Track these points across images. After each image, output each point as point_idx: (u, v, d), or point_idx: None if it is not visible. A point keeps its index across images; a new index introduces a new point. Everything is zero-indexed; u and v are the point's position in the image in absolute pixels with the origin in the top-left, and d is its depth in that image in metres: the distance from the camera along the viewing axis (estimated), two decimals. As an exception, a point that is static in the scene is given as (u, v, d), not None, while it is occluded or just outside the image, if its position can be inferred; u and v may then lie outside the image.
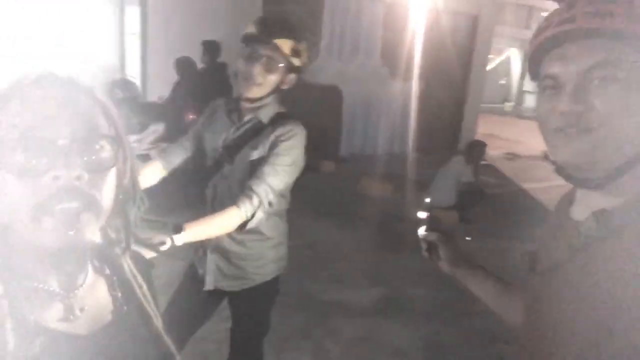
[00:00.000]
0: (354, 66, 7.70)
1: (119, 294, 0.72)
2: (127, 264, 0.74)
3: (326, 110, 6.82)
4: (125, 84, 4.70)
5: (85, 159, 0.59)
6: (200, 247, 1.73)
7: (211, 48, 5.21)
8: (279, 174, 1.55)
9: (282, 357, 2.66)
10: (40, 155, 0.56)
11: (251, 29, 1.57)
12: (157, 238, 1.39)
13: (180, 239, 1.41)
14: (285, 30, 1.57)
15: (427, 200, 1.19)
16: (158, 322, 0.76)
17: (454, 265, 1.11)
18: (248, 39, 1.57)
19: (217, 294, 1.74)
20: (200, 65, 5.18)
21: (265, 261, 1.70)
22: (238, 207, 1.50)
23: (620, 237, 0.66)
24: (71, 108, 0.60)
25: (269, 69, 1.55)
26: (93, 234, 0.61)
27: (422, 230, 1.15)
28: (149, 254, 1.38)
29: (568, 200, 0.81)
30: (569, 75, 0.68)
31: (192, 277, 1.77)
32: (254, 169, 1.56)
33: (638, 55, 0.65)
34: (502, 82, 18.41)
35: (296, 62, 1.59)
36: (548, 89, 0.72)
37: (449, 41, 8.46)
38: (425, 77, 8.36)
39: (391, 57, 7.98)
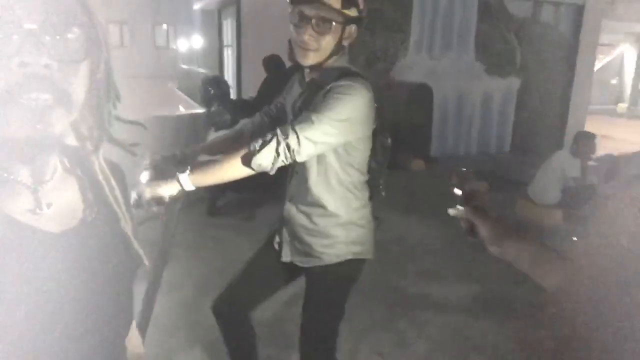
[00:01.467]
0: (446, 62, 7.39)
1: (90, 195, 0.68)
2: (99, 164, 0.70)
3: (416, 109, 6.59)
4: (216, 81, 4.87)
5: (55, 46, 0.54)
6: (280, 216, 1.67)
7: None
8: (315, 122, 1.32)
9: (361, 346, 2.52)
10: (7, 40, 0.52)
11: None
12: (165, 179, 1.31)
13: (188, 182, 1.29)
14: None
15: (463, 169, 1.01)
16: (128, 226, 0.73)
17: (497, 244, 0.94)
18: (293, 2, 1.42)
19: (295, 268, 1.64)
20: (288, 63, 5.25)
21: (333, 240, 1.55)
22: (255, 146, 1.31)
23: None
24: None
25: (321, 31, 1.39)
26: (63, 129, 0.58)
27: (452, 209, 0.99)
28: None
29: None
30: None
31: (271, 244, 1.70)
32: None
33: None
34: (614, 81, 16.73)
35: (352, 12, 1.40)
36: None
37: (552, 34, 7.83)
38: (525, 73, 7.81)
39: (487, 51, 7.55)
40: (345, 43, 1.46)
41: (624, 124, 12.61)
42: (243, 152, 1.33)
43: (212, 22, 14.25)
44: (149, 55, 21.62)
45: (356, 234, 1.59)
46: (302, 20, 1.40)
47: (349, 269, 1.61)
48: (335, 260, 1.57)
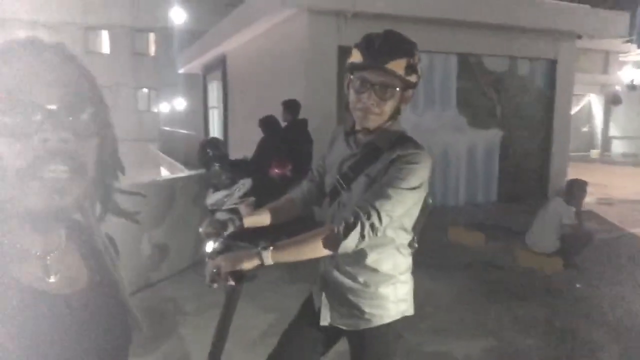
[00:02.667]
0: (429, 117, 7.64)
1: (91, 262, 0.73)
2: (100, 234, 0.74)
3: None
4: (214, 143, 4.93)
5: (72, 123, 0.60)
6: (317, 278, 1.65)
7: (292, 106, 5.41)
8: (392, 196, 1.35)
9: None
10: (29, 118, 0.58)
11: (356, 56, 1.42)
12: (247, 254, 1.32)
13: (269, 258, 1.31)
14: (397, 50, 1.39)
15: None
16: (126, 293, 0.76)
17: None
18: (354, 67, 1.43)
19: (335, 331, 1.60)
20: (283, 123, 5.36)
21: (383, 301, 1.51)
22: (333, 224, 1.35)
23: None
24: (59, 73, 0.61)
25: (384, 97, 1.40)
26: (75, 199, 0.62)
27: None
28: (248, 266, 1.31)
29: None
30: None
31: (310, 308, 1.66)
32: None
33: None
34: (585, 129, 17.48)
35: (413, 78, 1.42)
36: None
37: (528, 86, 8.22)
38: (505, 124, 8.11)
39: (468, 105, 7.86)
40: (403, 107, 1.47)
41: (599, 169, 13.05)
42: (324, 234, 1.35)
43: (197, 85, 14.61)
44: (131, 119, 21.82)
45: (403, 292, 1.57)
46: (364, 86, 1.41)
47: (396, 328, 1.57)
48: (386, 320, 1.53)
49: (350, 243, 1.33)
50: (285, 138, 5.15)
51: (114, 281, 0.74)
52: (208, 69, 12.65)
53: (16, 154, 0.57)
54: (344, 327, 1.57)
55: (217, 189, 4.62)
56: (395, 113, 1.46)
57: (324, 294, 1.59)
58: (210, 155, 4.64)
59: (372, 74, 1.39)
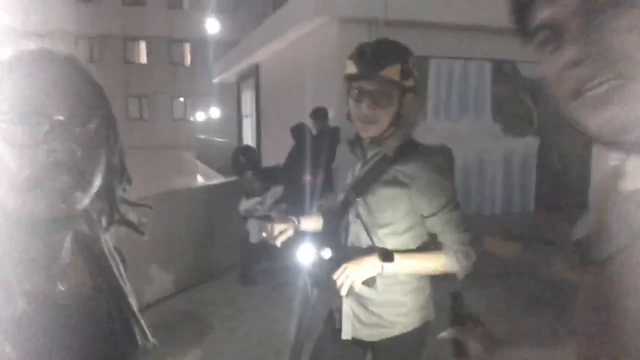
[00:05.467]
0: (464, 125, 7.53)
1: (97, 271, 0.73)
2: (106, 243, 0.75)
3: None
4: (247, 150, 5.01)
5: (79, 135, 0.61)
6: (337, 293, 1.64)
7: (319, 113, 5.47)
8: (454, 215, 1.44)
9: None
10: (37, 129, 0.58)
11: (350, 67, 1.44)
12: (365, 261, 1.40)
13: (389, 267, 1.39)
14: (389, 56, 1.40)
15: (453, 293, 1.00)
16: (133, 301, 0.76)
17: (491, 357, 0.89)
18: (350, 78, 1.45)
19: (359, 345, 1.59)
20: (314, 131, 5.40)
21: (405, 309, 1.52)
22: (448, 257, 1.43)
23: None
24: (68, 85, 0.62)
25: (381, 104, 1.41)
26: (82, 209, 0.64)
27: (443, 333, 0.96)
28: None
29: (615, 174, 0.60)
30: (566, 11, 0.49)
31: (332, 325, 1.65)
32: (394, 210, 1.47)
33: None
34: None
35: (409, 82, 1.43)
36: (547, 43, 0.53)
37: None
38: (543, 132, 7.91)
39: (503, 112, 7.71)
40: (404, 113, 1.46)
41: None
42: (444, 263, 1.44)
43: (231, 94, 14.90)
44: (168, 127, 22.42)
45: (423, 298, 1.57)
46: (362, 95, 1.42)
47: (420, 335, 1.56)
48: (409, 328, 1.53)
49: (463, 273, 1.45)
50: (317, 146, 5.18)
51: (120, 290, 0.75)
52: (242, 78, 12.90)
53: (23, 163, 0.58)
54: (366, 339, 1.56)
55: (249, 196, 4.68)
56: (399, 119, 1.45)
57: (344, 308, 1.58)
58: (243, 163, 4.71)
59: (367, 83, 1.41)
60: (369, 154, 1.53)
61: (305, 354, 1.73)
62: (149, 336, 0.76)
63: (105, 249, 0.74)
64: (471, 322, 0.94)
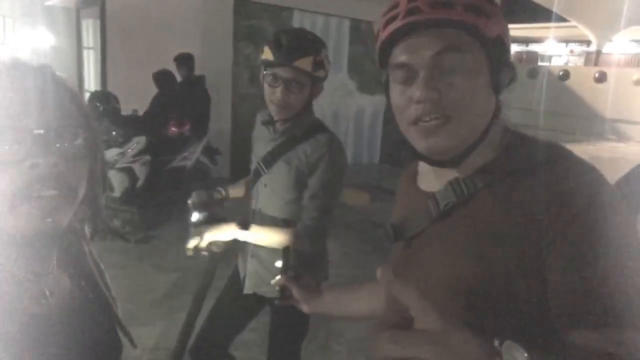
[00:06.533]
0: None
1: (83, 282, 0.73)
2: (90, 252, 0.77)
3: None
4: (105, 96, 4.62)
5: (61, 147, 0.61)
6: (242, 251, 1.79)
7: (187, 61, 5.23)
8: (330, 198, 1.58)
9: None
10: (18, 144, 0.57)
11: (267, 54, 1.54)
12: (223, 228, 1.52)
13: (244, 236, 1.52)
14: (303, 48, 1.52)
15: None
16: (117, 310, 0.78)
17: (313, 304, 1.12)
18: (266, 64, 1.55)
19: (259, 300, 1.77)
20: (178, 78, 5.18)
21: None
22: (296, 230, 1.57)
23: (475, 199, 0.73)
24: (45, 97, 0.61)
25: (294, 91, 1.54)
26: (67, 221, 0.64)
27: (274, 280, 1.17)
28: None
29: (411, 176, 0.91)
30: (421, 61, 0.70)
31: (235, 281, 1.81)
32: (295, 183, 1.61)
33: (476, 44, 0.70)
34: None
35: (321, 74, 1.59)
36: (400, 79, 0.74)
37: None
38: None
39: (358, 71, 8.23)
40: (313, 97, 1.65)
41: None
42: (292, 233, 1.59)
43: (68, 21, 13.02)
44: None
45: (320, 263, 1.79)
46: (276, 81, 1.55)
47: None
48: None
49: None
50: (182, 95, 5.00)
51: (105, 299, 0.76)
52: (82, 4, 11.35)
53: (7, 180, 0.57)
54: (266, 295, 1.73)
55: (108, 146, 4.39)
56: (306, 103, 1.62)
57: (248, 266, 1.75)
58: (100, 110, 4.37)
59: (282, 71, 1.53)
60: (280, 132, 1.66)
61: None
62: (134, 342, 0.78)
63: (90, 260, 0.75)
64: (295, 272, 1.15)
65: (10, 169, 0.57)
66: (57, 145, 0.60)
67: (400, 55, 0.73)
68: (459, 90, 0.69)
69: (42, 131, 0.59)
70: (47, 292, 0.66)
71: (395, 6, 0.73)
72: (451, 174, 0.77)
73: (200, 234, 1.50)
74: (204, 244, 1.49)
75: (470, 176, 0.75)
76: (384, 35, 0.74)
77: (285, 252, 1.17)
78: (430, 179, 0.83)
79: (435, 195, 0.78)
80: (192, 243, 1.50)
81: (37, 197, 0.58)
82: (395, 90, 0.76)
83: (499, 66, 0.73)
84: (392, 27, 0.72)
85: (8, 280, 0.62)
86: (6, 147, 0.57)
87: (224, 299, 1.84)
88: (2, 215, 0.58)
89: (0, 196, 0.57)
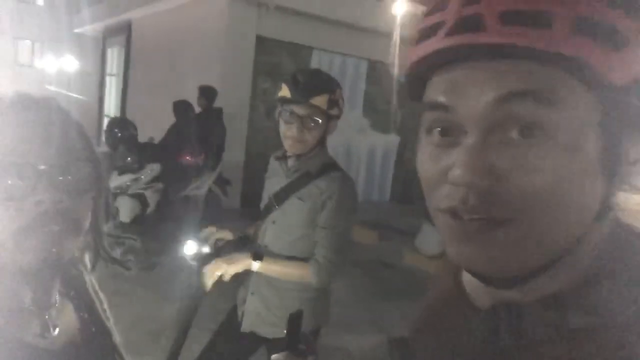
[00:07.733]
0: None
1: (86, 315, 0.73)
2: (91, 282, 0.76)
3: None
4: (123, 122, 4.73)
5: (64, 181, 0.60)
6: (243, 287, 1.78)
7: (208, 93, 5.35)
8: (341, 236, 1.60)
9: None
10: (22, 181, 0.57)
11: (284, 91, 1.59)
12: (237, 258, 1.55)
13: (257, 266, 1.54)
14: (319, 87, 1.57)
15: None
16: (116, 339, 0.78)
17: None
18: (283, 101, 1.60)
19: (255, 339, 1.74)
20: (197, 108, 5.28)
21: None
22: (311, 267, 1.58)
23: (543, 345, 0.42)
24: (49, 131, 0.60)
25: (309, 128, 1.58)
26: (70, 254, 0.64)
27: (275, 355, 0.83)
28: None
29: (455, 268, 0.56)
30: (472, 111, 0.40)
31: (233, 318, 1.79)
32: (306, 219, 1.62)
33: (585, 92, 0.38)
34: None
35: (335, 112, 1.62)
36: (433, 131, 0.45)
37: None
38: (403, 131, 8.74)
39: (372, 110, 8.34)
40: (328, 135, 1.68)
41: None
42: (307, 274, 1.60)
43: (94, 48, 13.45)
44: (9, 72, 19.43)
45: (320, 306, 1.75)
46: (292, 118, 1.59)
47: (312, 336, 1.74)
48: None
49: (319, 285, 1.62)
50: (199, 125, 5.10)
51: (106, 330, 0.76)
52: (109, 33, 11.76)
53: (12, 216, 0.57)
54: (263, 335, 1.71)
55: (122, 172, 4.46)
56: (322, 141, 1.66)
57: (248, 303, 1.73)
58: (118, 136, 4.46)
59: (298, 108, 1.57)
60: (294, 168, 1.69)
61: (193, 340, 1.83)
62: None
63: (90, 289, 0.75)
64: (305, 345, 0.85)
65: (14, 205, 0.57)
66: (61, 180, 0.60)
67: (437, 92, 0.43)
68: (536, 173, 0.38)
69: (46, 166, 0.58)
70: (51, 325, 0.65)
71: (441, 7, 0.42)
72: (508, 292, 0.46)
73: (218, 268, 1.53)
74: (227, 277, 1.53)
75: (535, 305, 0.44)
76: (415, 54, 0.44)
77: (292, 319, 0.85)
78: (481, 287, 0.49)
79: (484, 317, 0.48)
80: (210, 277, 1.53)
81: (42, 231, 0.58)
82: (425, 148, 0.46)
83: (622, 132, 0.40)
84: (430, 45, 0.42)
85: (12, 313, 0.61)
86: (9, 182, 0.57)
87: (221, 335, 1.81)
88: (6, 250, 0.58)
89: (4, 231, 0.57)
